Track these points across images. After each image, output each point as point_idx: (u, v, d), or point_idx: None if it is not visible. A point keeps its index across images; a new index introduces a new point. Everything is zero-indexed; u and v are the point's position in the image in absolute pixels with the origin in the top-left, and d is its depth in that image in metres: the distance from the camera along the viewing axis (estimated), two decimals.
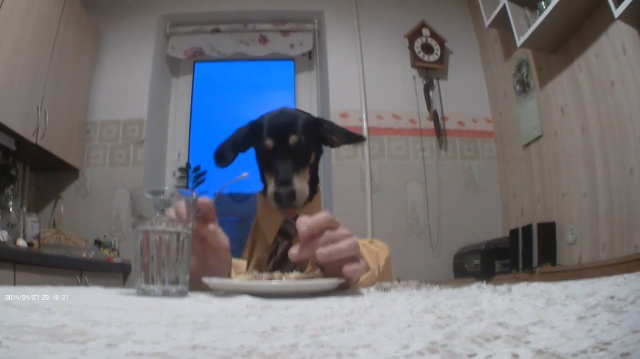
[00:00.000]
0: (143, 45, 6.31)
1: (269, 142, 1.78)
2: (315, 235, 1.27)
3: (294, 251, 1.27)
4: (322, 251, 1.23)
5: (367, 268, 1.60)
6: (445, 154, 6.10)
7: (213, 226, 1.43)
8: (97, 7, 6.29)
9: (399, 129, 6.11)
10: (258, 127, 1.87)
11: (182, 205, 1.34)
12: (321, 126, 1.97)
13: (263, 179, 1.91)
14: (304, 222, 1.26)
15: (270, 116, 1.88)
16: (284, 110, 1.92)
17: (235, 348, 0.48)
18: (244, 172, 1.64)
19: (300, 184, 1.76)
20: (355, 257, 1.31)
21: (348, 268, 1.25)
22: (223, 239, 1.48)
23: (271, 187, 1.73)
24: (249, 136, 1.93)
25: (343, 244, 1.27)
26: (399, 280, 1.72)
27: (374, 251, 1.77)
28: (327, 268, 1.32)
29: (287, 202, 1.70)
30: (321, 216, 1.29)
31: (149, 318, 0.70)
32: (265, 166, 1.81)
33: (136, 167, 5.90)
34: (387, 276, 1.80)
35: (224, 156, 1.95)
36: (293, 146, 1.79)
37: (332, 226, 1.30)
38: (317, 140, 1.94)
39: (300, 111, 1.99)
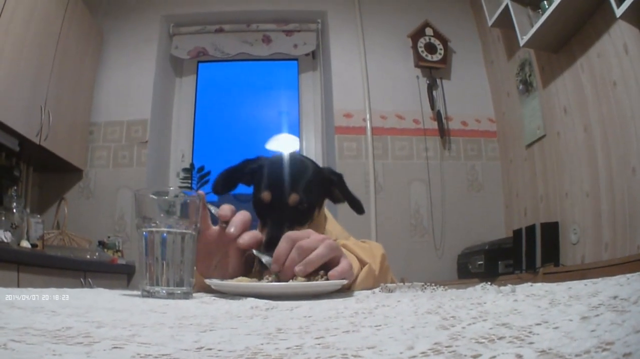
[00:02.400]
0: (146, 46, 6.31)
1: (265, 196, 1.70)
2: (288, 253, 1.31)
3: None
4: (299, 269, 1.27)
5: (363, 264, 1.61)
6: (449, 154, 6.10)
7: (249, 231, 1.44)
8: (100, 7, 6.29)
9: (403, 129, 6.11)
10: (259, 172, 1.80)
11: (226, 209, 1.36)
12: (329, 180, 1.92)
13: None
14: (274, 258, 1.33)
15: (274, 164, 1.80)
16: (291, 158, 1.82)
17: (240, 350, 0.48)
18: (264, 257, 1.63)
19: None
20: (336, 258, 1.34)
21: (333, 273, 1.27)
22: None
23: (263, 236, 1.60)
24: (251, 173, 1.87)
25: (318, 251, 1.29)
26: (403, 281, 1.72)
27: (365, 247, 1.74)
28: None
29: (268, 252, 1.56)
30: (285, 237, 1.34)
31: (154, 320, 0.70)
32: (260, 215, 1.73)
33: (140, 167, 5.90)
34: (385, 273, 1.79)
35: (222, 185, 1.92)
36: (292, 205, 1.71)
37: (301, 237, 1.33)
38: (321, 194, 1.89)
39: (307, 161, 1.90)
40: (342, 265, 1.32)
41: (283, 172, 1.74)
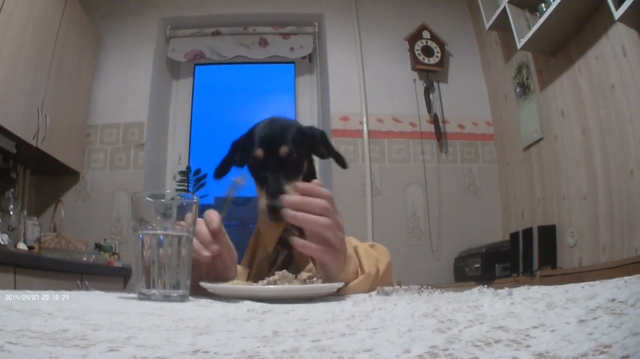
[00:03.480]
0: (143, 49, 6.31)
1: (259, 153, 1.73)
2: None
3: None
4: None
5: (362, 268, 1.62)
6: (446, 157, 6.11)
7: (226, 241, 1.44)
8: (97, 10, 6.29)
9: (400, 132, 6.11)
10: (249, 139, 1.82)
11: (198, 226, 1.36)
12: (312, 136, 1.92)
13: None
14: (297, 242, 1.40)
15: (260, 127, 1.83)
16: (274, 119, 1.86)
17: (236, 353, 0.48)
18: (238, 178, 1.64)
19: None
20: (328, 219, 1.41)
21: (295, 242, 1.38)
22: (233, 251, 1.49)
23: (263, 200, 1.68)
24: (242, 149, 1.88)
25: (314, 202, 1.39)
26: (400, 284, 1.72)
27: (374, 256, 1.75)
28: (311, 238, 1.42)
29: (273, 216, 1.62)
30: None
31: (150, 323, 0.70)
32: (257, 178, 1.75)
33: (137, 170, 5.90)
34: (387, 283, 1.79)
35: (219, 170, 1.93)
36: (284, 156, 1.73)
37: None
38: (308, 149, 1.90)
39: (291, 120, 1.94)
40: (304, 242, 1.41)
41: (269, 131, 1.78)
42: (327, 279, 1.46)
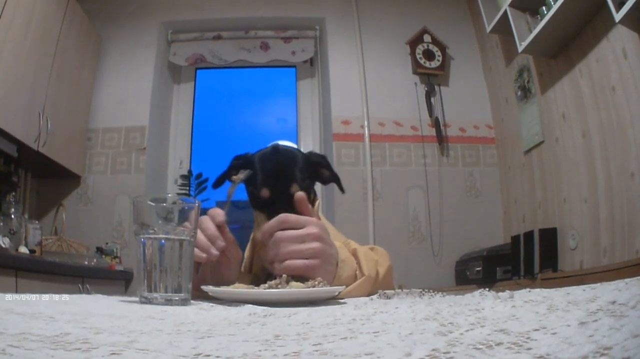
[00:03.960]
0: (145, 52, 6.31)
1: (264, 192, 1.67)
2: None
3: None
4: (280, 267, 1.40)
5: (360, 273, 1.62)
6: (447, 160, 6.11)
7: (231, 236, 1.44)
8: (98, 14, 6.29)
9: (401, 136, 6.11)
10: (253, 168, 1.74)
11: (205, 222, 1.37)
12: (316, 163, 1.89)
13: (251, 195, 1.85)
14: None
15: (265, 159, 1.76)
16: (277, 149, 1.79)
17: (238, 356, 0.48)
18: (237, 176, 1.64)
19: None
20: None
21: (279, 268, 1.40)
22: (239, 249, 1.50)
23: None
24: (242, 167, 1.85)
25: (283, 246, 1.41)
26: (401, 287, 1.72)
27: (374, 259, 1.74)
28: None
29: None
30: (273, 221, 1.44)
31: (152, 326, 0.70)
32: (261, 210, 1.69)
33: (138, 174, 5.90)
34: (388, 286, 1.78)
35: (217, 181, 1.91)
36: (293, 194, 1.66)
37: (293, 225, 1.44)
38: (312, 177, 1.86)
39: (294, 149, 1.88)
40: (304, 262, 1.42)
41: (275, 166, 1.73)
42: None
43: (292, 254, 1.42)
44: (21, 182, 5.30)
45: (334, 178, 1.94)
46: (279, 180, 1.69)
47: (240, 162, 1.83)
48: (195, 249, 1.34)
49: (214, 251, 1.36)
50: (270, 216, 1.58)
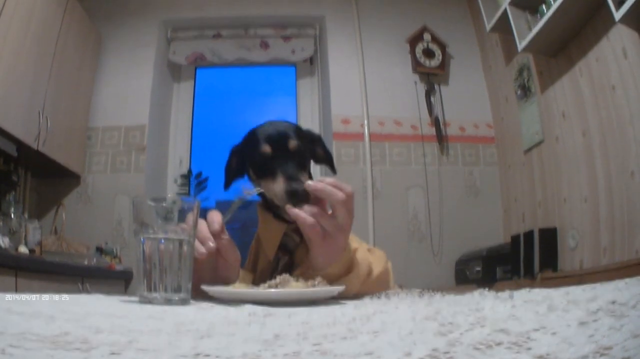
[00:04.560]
0: (144, 51, 6.31)
1: (266, 149, 1.69)
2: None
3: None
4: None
5: (351, 267, 1.61)
6: (447, 159, 6.10)
7: (227, 239, 1.44)
8: (98, 12, 6.28)
9: (401, 135, 6.11)
10: (250, 141, 1.79)
11: (202, 223, 1.37)
12: (311, 136, 1.91)
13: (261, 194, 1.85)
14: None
15: (261, 128, 1.79)
16: (272, 121, 1.82)
17: (238, 356, 0.48)
18: (248, 191, 1.64)
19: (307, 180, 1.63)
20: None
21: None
22: (237, 252, 1.49)
23: (279, 185, 1.62)
24: (241, 155, 1.87)
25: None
26: (401, 287, 1.72)
27: (368, 260, 1.74)
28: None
29: (301, 200, 1.56)
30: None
31: (151, 326, 0.70)
32: (265, 173, 1.69)
33: (138, 173, 5.90)
34: (383, 288, 1.78)
35: (226, 182, 1.91)
36: (293, 150, 1.71)
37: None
38: (307, 149, 1.87)
39: (289, 121, 1.89)
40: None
41: (273, 129, 1.76)
42: (314, 267, 1.50)
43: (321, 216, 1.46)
44: (21, 182, 5.30)
45: (327, 157, 1.96)
46: (278, 137, 1.72)
47: (240, 147, 1.85)
48: None
49: (202, 250, 1.36)
50: (274, 176, 1.64)
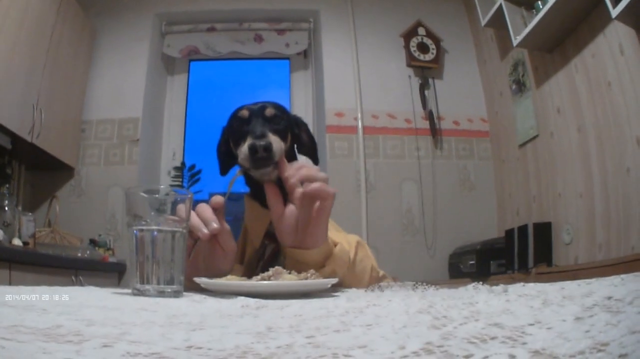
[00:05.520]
0: (138, 44, 6.31)
1: (243, 113, 1.72)
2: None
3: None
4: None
5: (334, 241, 1.62)
6: (441, 153, 6.11)
7: (227, 226, 1.44)
8: (92, 5, 6.28)
9: (394, 128, 6.11)
10: (233, 114, 1.80)
11: (202, 206, 1.37)
12: (295, 119, 1.90)
13: (248, 182, 1.85)
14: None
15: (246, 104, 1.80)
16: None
17: (230, 348, 0.47)
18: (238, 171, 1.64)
19: (278, 144, 1.63)
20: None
21: (307, 187, 1.41)
22: (233, 241, 1.49)
23: (244, 147, 1.61)
24: (227, 132, 1.86)
25: (304, 169, 1.45)
26: (395, 280, 1.72)
27: (341, 236, 1.75)
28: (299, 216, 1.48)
29: (263, 159, 1.57)
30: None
31: (144, 318, 0.70)
32: (239, 139, 1.68)
33: (131, 166, 5.90)
34: (363, 259, 1.79)
35: (222, 167, 1.91)
36: (269, 116, 1.72)
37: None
38: (290, 131, 1.83)
39: None
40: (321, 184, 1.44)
41: (256, 103, 1.77)
42: (300, 248, 1.50)
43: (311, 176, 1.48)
44: (15, 175, 5.30)
45: (311, 144, 1.94)
46: (256, 106, 1.74)
47: (225, 129, 1.85)
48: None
49: (204, 231, 1.35)
50: (245, 139, 1.64)
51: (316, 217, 1.46)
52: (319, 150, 1.96)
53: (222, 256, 1.47)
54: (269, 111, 1.71)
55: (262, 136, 1.59)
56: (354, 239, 1.81)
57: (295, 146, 1.89)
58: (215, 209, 1.42)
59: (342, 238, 1.72)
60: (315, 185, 1.43)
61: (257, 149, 1.54)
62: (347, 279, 1.59)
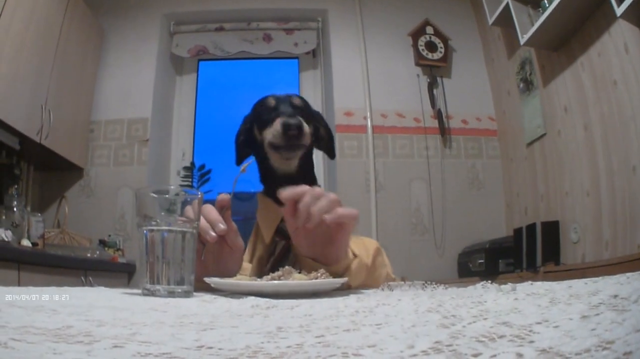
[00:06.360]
0: (147, 44, 6.31)
1: (270, 101, 1.76)
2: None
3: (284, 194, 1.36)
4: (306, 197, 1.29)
5: (354, 253, 1.61)
6: (450, 152, 6.11)
7: (233, 225, 1.43)
8: (100, 5, 6.29)
9: (403, 127, 6.11)
10: (257, 103, 1.85)
11: (207, 207, 1.37)
12: (317, 112, 1.93)
13: (262, 178, 1.88)
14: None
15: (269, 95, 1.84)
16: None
17: (241, 348, 0.48)
18: (245, 163, 1.63)
19: (307, 128, 1.69)
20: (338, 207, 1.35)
21: (329, 217, 1.31)
22: (241, 240, 1.49)
23: (277, 124, 1.66)
24: (249, 121, 1.89)
25: (322, 200, 1.34)
26: (404, 280, 1.72)
27: (359, 243, 1.75)
28: (316, 240, 1.42)
29: (294, 137, 1.64)
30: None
31: (154, 319, 0.70)
32: (266, 123, 1.73)
33: (140, 166, 5.90)
34: (379, 266, 1.80)
35: (238, 155, 1.92)
36: (296, 105, 1.76)
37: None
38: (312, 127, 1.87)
39: None
40: (343, 210, 1.36)
41: (279, 93, 1.81)
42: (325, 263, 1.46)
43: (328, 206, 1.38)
44: (24, 175, 5.29)
45: (329, 138, 1.97)
46: (283, 95, 1.79)
47: (248, 118, 1.91)
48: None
49: (212, 233, 1.36)
50: (273, 121, 1.68)
51: (338, 238, 1.44)
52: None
53: (229, 254, 1.46)
54: (297, 100, 1.76)
55: (293, 115, 1.64)
56: (373, 246, 1.82)
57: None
58: (222, 208, 1.41)
59: (361, 245, 1.73)
60: (339, 213, 1.36)
61: (290, 126, 1.59)
62: (360, 286, 1.59)
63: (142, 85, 6.13)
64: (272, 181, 1.79)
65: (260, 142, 1.78)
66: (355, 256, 1.60)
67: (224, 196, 1.43)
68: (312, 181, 1.86)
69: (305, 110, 1.78)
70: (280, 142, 1.65)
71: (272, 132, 1.66)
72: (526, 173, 5.58)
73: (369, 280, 1.65)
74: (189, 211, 1.24)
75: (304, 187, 1.38)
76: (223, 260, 1.47)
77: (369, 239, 1.91)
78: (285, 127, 1.61)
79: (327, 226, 1.38)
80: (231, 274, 1.43)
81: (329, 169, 5.96)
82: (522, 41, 4.89)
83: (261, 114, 1.76)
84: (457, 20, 6.57)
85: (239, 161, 1.91)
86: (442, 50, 6.30)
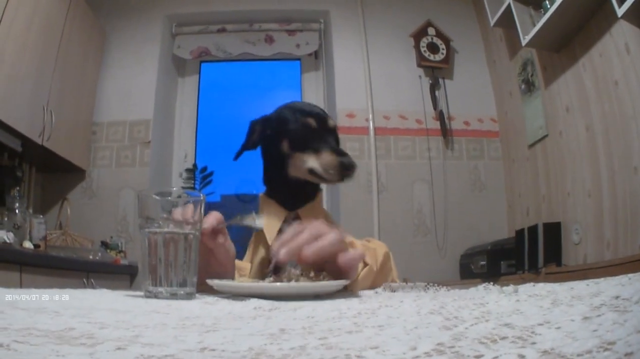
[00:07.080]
0: (149, 46, 6.31)
1: (311, 122, 1.76)
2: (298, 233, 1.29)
3: (280, 253, 1.26)
4: (307, 251, 1.25)
5: (364, 261, 1.61)
6: (452, 154, 6.11)
7: (222, 239, 1.43)
8: (102, 7, 6.29)
9: (405, 129, 6.11)
10: (288, 114, 1.83)
11: (189, 208, 1.35)
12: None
13: (266, 179, 1.89)
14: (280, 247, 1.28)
15: (299, 103, 1.88)
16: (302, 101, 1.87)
17: (244, 350, 0.48)
18: (253, 215, 1.61)
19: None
20: (344, 249, 1.30)
21: (342, 258, 1.26)
22: (231, 251, 1.48)
23: (331, 158, 1.70)
24: (270, 127, 1.88)
25: (326, 238, 1.27)
26: (406, 281, 1.72)
27: (371, 248, 1.75)
28: (324, 267, 1.33)
29: (348, 172, 1.70)
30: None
31: (157, 321, 0.70)
32: (306, 145, 1.75)
33: (142, 168, 5.90)
34: (387, 272, 1.80)
35: (240, 151, 1.93)
36: (332, 128, 1.80)
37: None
38: None
39: None
40: (353, 253, 1.30)
41: (310, 105, 1.86)
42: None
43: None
44: (25, 177, 5.30)
45: (338, 148, 1.96)
46: (320, 113, 1.81)
47: (263, 122, 1.90)
48: None
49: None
50: (319, 149, 1.72)
51: (346, 271, 1.42)
52: None
53: (217, 265, 1.46)
54: (331, 123, 1.80)
55: (343, 153, 1.71)
56: (382, 251, 1.82)
57: None
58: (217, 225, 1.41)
59: (371, 250, 1.73)
60: (346, 259, 1.35)
61: (348, 167, 1.68)
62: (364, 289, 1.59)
63: (144, 87, 6.13)
64: (280, 184, 1.82)
65: (286, 154, 1.79)
66: (365, 264, 1.61)
67: (209, 220, 1.42)
68: (316, 187, 1.90)
69: (335, 132, 1.82)
70: (332, 179, 1.70)
71: (324, 166, 1.70)
72: (528, 174, 5.58)
73: (375, 286, 1.66)
74: (177, 213, 1.23)
75: (300, 238, 1.35)
76: (212, 268, 1.46)
77: (380, 243, 1.92)
78: (345, 167, 1.67)
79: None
80: (223, 278, 1.43)
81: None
82: (523, 42, 4.89)
83: (296, 131, 1.77)
84: (459, 21, 6.57)
85: (238, 157, 1.91)
86: (444, 51, 6.30)
